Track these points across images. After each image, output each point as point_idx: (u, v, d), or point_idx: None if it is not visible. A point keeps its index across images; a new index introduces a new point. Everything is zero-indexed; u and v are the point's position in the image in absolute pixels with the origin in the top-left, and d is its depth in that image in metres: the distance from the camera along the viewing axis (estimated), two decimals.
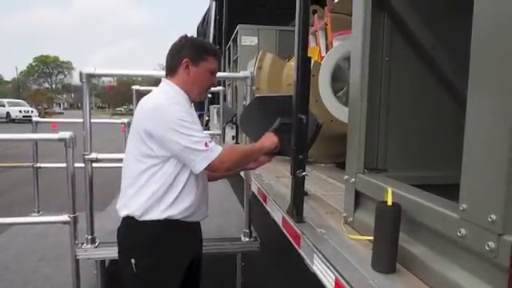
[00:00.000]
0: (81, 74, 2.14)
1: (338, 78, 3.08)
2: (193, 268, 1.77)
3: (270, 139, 1.77)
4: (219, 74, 1.98)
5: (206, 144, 1.52)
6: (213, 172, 1.67)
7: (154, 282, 1.60)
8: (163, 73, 1.78)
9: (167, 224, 1.59)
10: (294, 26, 1.80)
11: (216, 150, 1.54)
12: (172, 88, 1.65)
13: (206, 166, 1.53)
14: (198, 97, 1.73)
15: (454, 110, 1.65)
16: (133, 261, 1.59)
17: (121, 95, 53.48)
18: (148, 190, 1.57)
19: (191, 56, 1.64)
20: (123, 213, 1.63)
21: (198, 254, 1.83)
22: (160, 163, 1.57)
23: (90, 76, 2.13)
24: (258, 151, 1.77)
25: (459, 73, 1.58)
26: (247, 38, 5.99)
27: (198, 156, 1.51)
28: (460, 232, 1.00)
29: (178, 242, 1.64)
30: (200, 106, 9.07)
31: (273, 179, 2.82)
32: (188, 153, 1.51)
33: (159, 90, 1.68)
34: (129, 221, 1.61)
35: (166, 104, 1.56)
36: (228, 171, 1.70)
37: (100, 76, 2.25)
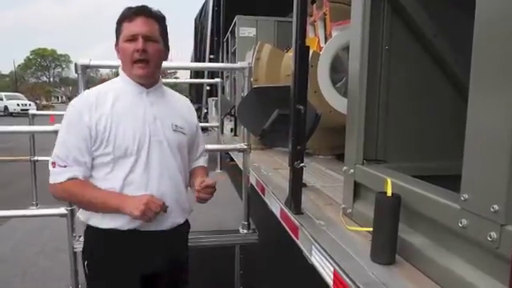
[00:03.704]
0: (76, 65, 2.11)
1: (337, 69, 3.05)
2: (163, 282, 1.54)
3: (135, 204, 1.33)
4: (217, 65, 1.94)
5: (53, 164, 1.38)
6: None
7: None
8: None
9: (109, 233, 1.40)
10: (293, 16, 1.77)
11: (58, 177, 1.37)
12: (119, 77, 1.50)
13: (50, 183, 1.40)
14: (132, 73, 1.43)
15: (456, 99, 1.62)
16: (85, 263, 1.49)
17: None
18: None
19: (115, 36, 1.44)
20: None
21: (165, 269, 1.51)
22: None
23: (85, 67, 2.10)
24: (104, 207, 1.39)
25: (461, 61, 1.55)
26: (245, 29, 5.93)
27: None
28: (461, 223, 0.98)
29: (119, 255, 1.42)
30: (198, 99, 9.05)
31: (271, 171, 2.81)
32: None
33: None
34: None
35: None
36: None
37: (95, 67, 2.22)
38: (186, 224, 1.62)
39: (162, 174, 1.44)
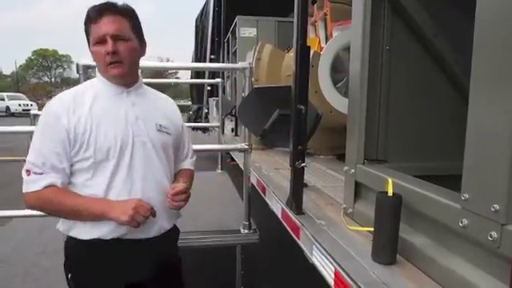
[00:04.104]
0: (77, 65, 2.11)
1: (338, 69, 3.05)
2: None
3: (122, 209, 1.27)
4: (218, 66, 1.93)
5: (28, 172, 1.29)
6: None
7: None
8: (161, 64, 1.74)
9: (91, 243, 1.33)
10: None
11: (34, 185, 1.28)
12: (96, 78, 1.43)
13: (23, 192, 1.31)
14: (107, 74, 1.35)
15: (456, 99, 1.63)
16: (69, 276, 1.40)
17: None
18: None
19: (86, 38, 1.34)
20: None
21: (153, 277, 1.43)
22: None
23: (87, 67, 2.10)
24: (88, 214, 1.30)
25: (461, 61, 1.55)
26: (246, 29, 5.94)
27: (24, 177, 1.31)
28: (462, 222, 0.98)
29: (104, 266, 1.36)
30: (199, 99, 9.04)
31: (272, 171, 2.81)
32: None
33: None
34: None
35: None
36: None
37: (96, 67, 2.22)
38: (175, 229, 1.55)
39: (146, 177, 1.37)
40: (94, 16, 1.29)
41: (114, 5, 1.31)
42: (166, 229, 1.45)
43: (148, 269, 1.41)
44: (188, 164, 1.65)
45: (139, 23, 1.41)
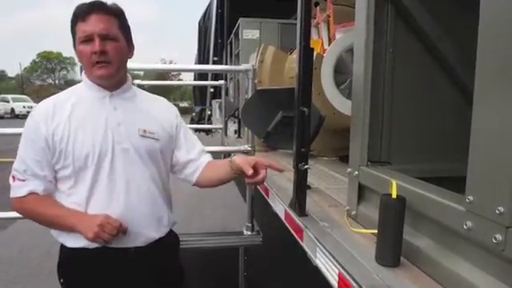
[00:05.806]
0: (81, 67, 2.12)
1: (341, 71, 3.05)
2: None
3: (89, 225, 1.25)
4: (221, 68, 1.93)
5: (13, 178, 1.32)
6: None
7: None
8: (166, 66, 1.75)
9: (77, 252, 1.33)
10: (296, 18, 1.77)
11: (18, 191, 1.31)
12: (82, 82, 1.41)
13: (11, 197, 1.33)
14: (92, 75, 1.33)
15: (460, 101, 1.62)
16: (61, 280, 1.41)
17: None
18: None
19: (72, 37, 1.32)
20: None
21: (146, 284, 1.42)
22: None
23: None
24: (60, 226, 1.33)
25: (465, 62, 1.55)
26: (249, 31, 5.94)
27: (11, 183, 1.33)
28: (466, 225, 0.98)
29: (91, 275, 1.35)
30: (202, 101, 9.07)
31: (275, 173, 2.80)
32: None
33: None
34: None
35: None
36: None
37: None
38: (170, 236, 1.50)
39: (129, 185, 1.33)
40: (81, 14, 1.26)
41: (102, 3, 1.30)
42: (154, 238, 1.41)
43: (140, 278, 1.39)
44: (208, 158, 1.60)
45: (128, 24, 1.39)
